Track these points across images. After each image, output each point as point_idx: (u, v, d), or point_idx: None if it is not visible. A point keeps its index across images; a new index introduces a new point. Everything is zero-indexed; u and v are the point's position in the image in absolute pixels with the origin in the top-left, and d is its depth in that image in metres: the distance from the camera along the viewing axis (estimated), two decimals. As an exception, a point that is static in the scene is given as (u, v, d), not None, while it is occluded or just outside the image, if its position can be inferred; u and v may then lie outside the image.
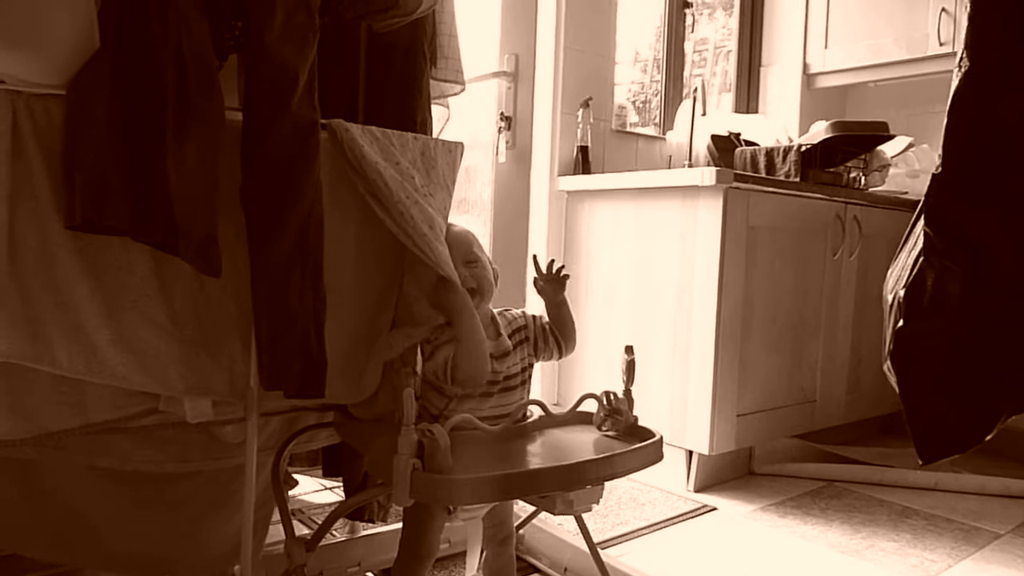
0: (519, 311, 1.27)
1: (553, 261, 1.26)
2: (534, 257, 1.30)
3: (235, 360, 1.01)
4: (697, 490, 2.10)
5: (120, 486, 1.11)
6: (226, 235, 0.92)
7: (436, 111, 1.38)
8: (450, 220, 1.23)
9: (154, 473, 1.12)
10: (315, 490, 1.90)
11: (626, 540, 1.74)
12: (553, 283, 1.25)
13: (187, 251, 0.88)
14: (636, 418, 1.15)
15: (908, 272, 0.76)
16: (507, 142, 2.42)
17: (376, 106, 1.25)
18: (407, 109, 1.26)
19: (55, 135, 0.86)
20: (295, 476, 1.73)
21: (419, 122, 1.28)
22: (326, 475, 1.46)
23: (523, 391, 1.20)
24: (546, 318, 1.27)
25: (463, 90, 1.41)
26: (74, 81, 0.86)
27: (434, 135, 1.38)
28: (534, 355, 1.24)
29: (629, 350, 1.17)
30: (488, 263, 1.22)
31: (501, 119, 2.42)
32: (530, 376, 1.23)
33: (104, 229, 0.86)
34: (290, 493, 1.72)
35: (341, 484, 1.45)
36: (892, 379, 0.79)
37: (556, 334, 1.25)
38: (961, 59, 0.71)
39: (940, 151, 0.72)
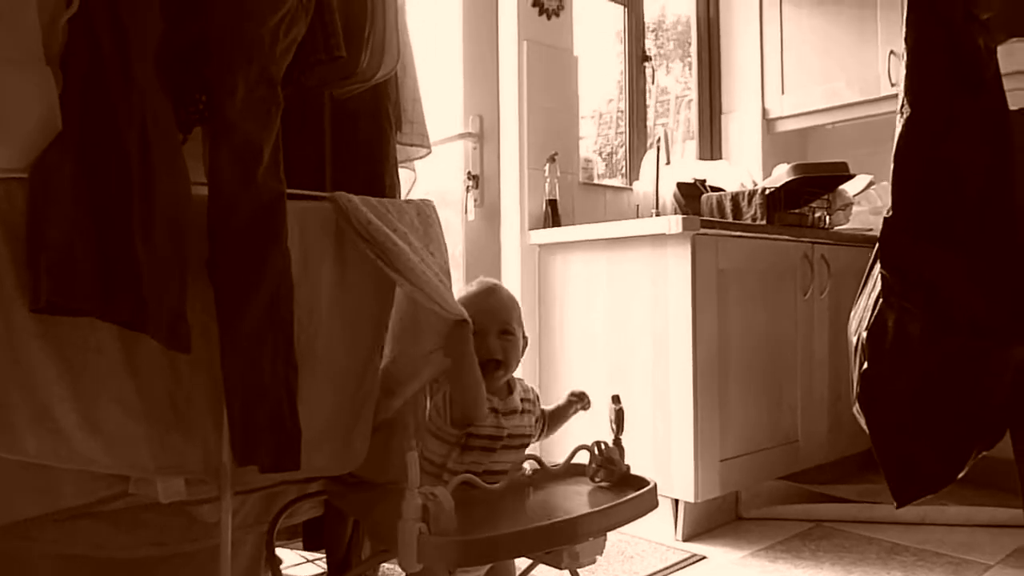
0: (530, 387, 1.32)
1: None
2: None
3: (208, 437, 1.00)
4: (685, 539, 2.08)
5: (92, 573, 1.08)
6: (195, 310, 0.92)
7: (403, 174, 1.40)
8: (496, 281, 1.27)
9: (129, 559, 1.09)
10: (296, 563, 1.85)
11: (617, 595, 1.71)
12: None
13: (156, 329, 0.87)
14: (628, 467, 1.16)
15: (869, 314, 0.78)
16: (475, 200, 2.44)
17: (344, 172, 1.27)
18: (375, 174, 1.28)
19: (17, 219, 0.85)
20: (277, 552, 1.69)
21: (388, 185, 1.30)
22: (307, 548, 1.43)
23: (521, 453, 1.21)
24: (547, 407, 1.32)
25: (429, 153, 1.43)
26: (37, 163, 0.87)
27: (402, 198, 1.40)
28: (533, 426, 1.26)
29: (616, 399, 1.19)
30: (520, 335, 1.24)
31: (468, 178, 2.45)
32: (529, 443, 1.24)
33: (71, 311, 0.85)
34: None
35: (323, 556, 1.41)
36: (862, 420, 0.80)
37: (547, 424, 1.31)
38: (903, 105, 0.74)
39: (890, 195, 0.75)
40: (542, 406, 1.32)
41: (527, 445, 1.23)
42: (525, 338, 1.26)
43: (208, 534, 1.10)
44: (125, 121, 0.89)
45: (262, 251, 0.95)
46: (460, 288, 1.28)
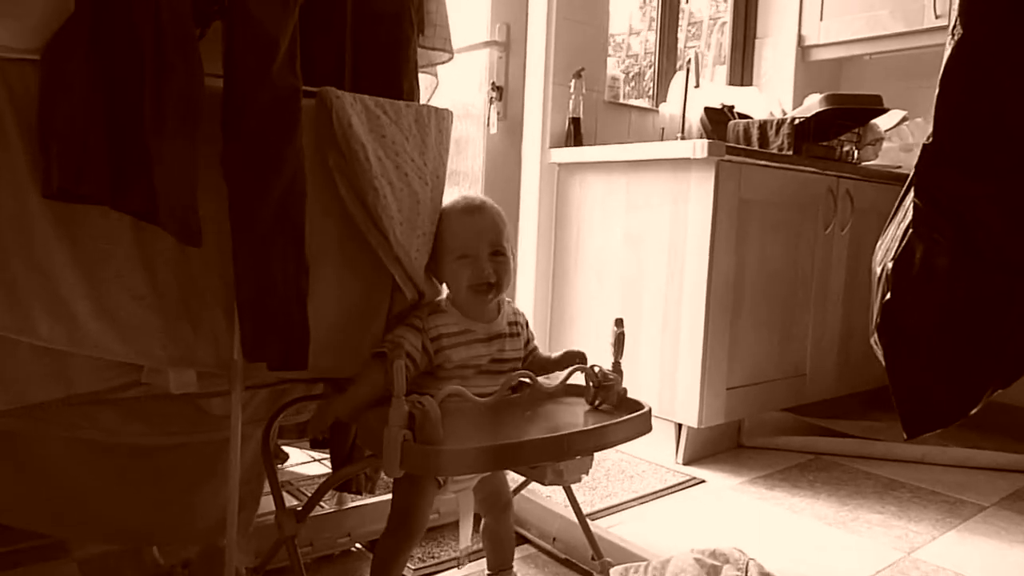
0: (519, 310, 1.26)
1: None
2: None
3: (219, 331, 1.00)
4: (686, 463, 2.12)
5: (105, 458, 1.11)
6: (207, 204, 0.91)
7: (424, 79, 1.36)
8: (482, 198, 1.20)
9: (139, 445, 1.11)
10: (303, 462, 1.90)
11: (614, 512, 1.75)
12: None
13: (167, 221, 0.86)
14: (625, 390, 1.15)
15: (897, 244, 0.76)
16: (498, 113, 2.39)
17: (363, 74, 1.23)
18: (394, 77, 1.24)
19: (31, 102, 0.83)
20: (284, 448, 1.74)
21: (406, 90, 1.25)
22: (313, 447, 1.46)
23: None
24: (538, 352, 1.26)
25: (451, 58, 1.38)
26: (49, 45, 0.84)
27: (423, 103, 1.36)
28: (522, 349, 1.23)
29: (619, 323, 1.17)
30: (511, 252, 1.18)
31: (492, 89, 2.38)
32: (516, 368, 1.21)
33: (82, 198, 0.84)
34: (279, 465, 1.72)
35: (328, 456, 1.45)
36: (879, 352, 0.78)
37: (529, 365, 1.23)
38: (954, 27, 0.70)
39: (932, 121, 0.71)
40: (544, 353, 1.26)
41: (514, 370, 1.20)
42: (514, 256, 1.22)
43: (217, 426, 1.11)
44: (139, 6, 0.86)
45: (276, 147, 0.93)
46: (445, 203, 1.22)
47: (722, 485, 1.97)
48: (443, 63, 1.40)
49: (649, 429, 1.10)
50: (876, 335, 0.78)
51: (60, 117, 0.83)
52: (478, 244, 1.14)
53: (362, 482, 1.41)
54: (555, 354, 1.24)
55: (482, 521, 1.31)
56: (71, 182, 0.82)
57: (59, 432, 1.06)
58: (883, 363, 0.78)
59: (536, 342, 1.28)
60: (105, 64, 0.85)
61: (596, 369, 1.15)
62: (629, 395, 1.15)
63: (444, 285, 1.21)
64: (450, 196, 1.26)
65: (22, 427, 1.05)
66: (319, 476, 1.82)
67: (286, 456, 1.79)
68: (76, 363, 0.99)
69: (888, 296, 0.76)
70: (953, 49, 0.69)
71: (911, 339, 0.75)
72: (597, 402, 1.16)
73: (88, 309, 0.91)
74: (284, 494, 1.21)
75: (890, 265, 0.75)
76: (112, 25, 0.85)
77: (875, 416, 2.59)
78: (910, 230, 0.74)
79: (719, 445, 2.24)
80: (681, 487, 1.93)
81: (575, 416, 1.11)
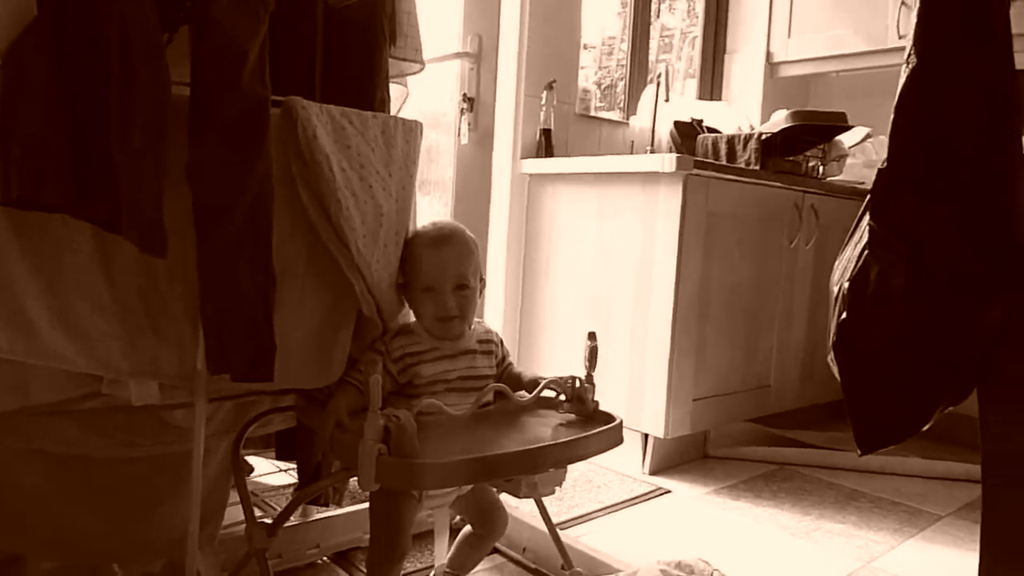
0: (492, 329, 1.26)
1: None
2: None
3: (183, 342, 0.99)
4: (652, 473, 2.13)
5: (63, 471, 1.08)
6: (172, 214, 0.90)
7: (395, 90, 1.36)
8: (453, 225, 1.21)
9: (99, 458, 1.09)
10: (268, 472, 1.88)
11: (582, 522, 1.76)
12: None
13: (131, 231, 0.85)
14: (597, 403, 1.17)
15: (853, 264, 0.78)
16: (469, 124, 2.39)
17: (334, 84, 1.23)
18: (365, 87, 1.24)
19: (-11, 105, 0.82)
20: (249, 460, 1.72)
21: (378, 100, 1.26)
22: (279, 458, 1.45)
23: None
24: (512, 368, 1.26)
25: (422, 69, 1.39)
26: (11, 49, 0.83)
27: (392, 114, 1.36)
28: (493, 367, 1.23)
29: (592, 336, 1.18)
30: (477, 284, 1.19)
31: (464, 100, 2.39)
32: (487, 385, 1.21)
33: (43, 206, 0.83)
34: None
35: (295, 466, 1.43)
36: (835, 369, 0.80)
37: (504, 374, 1.24)
38: (909, 55, 0.72)
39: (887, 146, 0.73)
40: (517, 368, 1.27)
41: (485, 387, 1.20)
42: (483, 281, 1.22)
43: (180, 439, 1.10)
44: (104, 13, 0.85)
45: (243, 157, 0.92)
46: (417, 226, 1.22)
47: (688, 495, 1.99)
48: (414, 73, 1.41)
49: (621, 441, 1.11)
50: (832, 353, 0.80)
51: (22, 123, 0.82)
52: (443, 278, 1.15)
53: (330, 494, 1.40)
54: (526, 375, 1.24)
55: (464, 528, 1.31)
56: (32, 190, 0.81)
57: (16, 443, 1.04)
58: (839, 380, 0.80)
59: (511, 358, 1.29)
60: (69, 70, 0.84)
61: (569, 381, 1.16)
62: (600, 406, 1.17)
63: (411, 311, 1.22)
64: (423, 207, 1.26)
65: (-22, 439, 1.03)
66: (284, 487, 1.80)
67: (251, 468, 1.77)
68: (34, 373, 0.97)
69: (844, 315, 0.78)
70: (907, 77, 0.71)
71: (865, 357, 0.77)
72: (567, 413, 1.16)
73: (47, 319, 0.89)
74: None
75: (846, 285, 0.77)
76: (76, 31, 0.84)
77: (838, 427, 2.63)
78: (866, 251, 0.76)
79: (685, 455, 2.26)
80: (647, 497, 1.95)
81: (548, 429, 1.12)
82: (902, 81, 0.72)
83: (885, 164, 0.73)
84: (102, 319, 0.93)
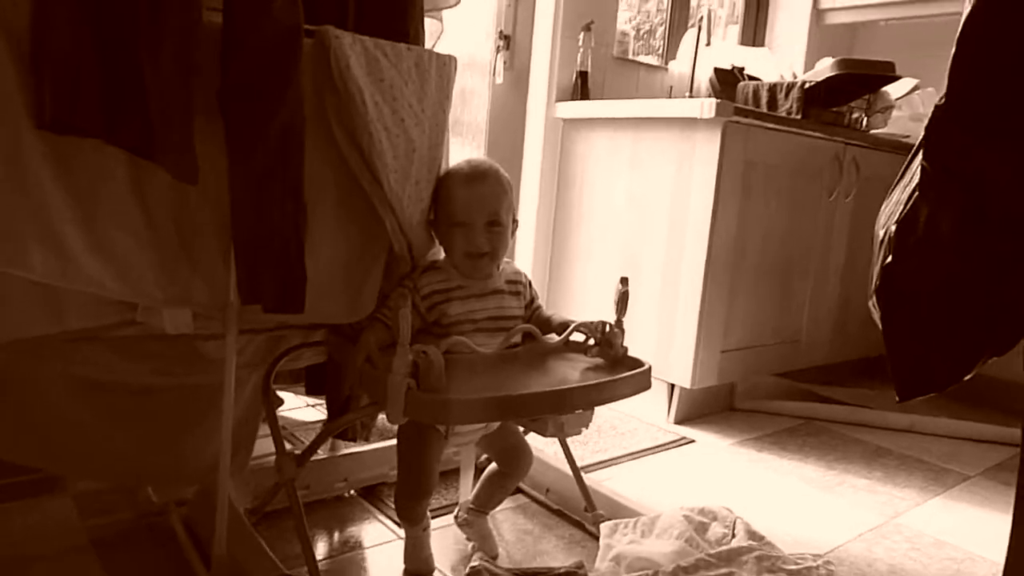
0: (520, 270, 1.26)
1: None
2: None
3: (215, 271, 0.99)
4: (677, 422, 2.14)
5: (99, 395, 1.11)
6: (205, 141, 0.89)
7: (429, 25, 1.33)
8: (488, 163, 1.19)
9: (134, 384, 1.12)
10: (297, 407, 1.91)
11: (606, 466, 1.77)
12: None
13: (163, 156, 0.85)
14: (626, 348, 1.16)
15: (901, 208, 0.75)
16: (505, 63, 2.34)
17: (366, 15, 1.20)
18: (399, 19, 1.21)
19: (24, 32, 0.81)
20: (279, 394, 1.74)
21: (411, 34, 1.23)
22: (309, 393, 1.47)
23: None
24: (541, 311, 1.25)
25: (458, 3, 1.36)
26: (42, -28, 0.81)
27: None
28: (522, 308, 1.22)
29: (624, 281, 1.17)
30: (510, 222, 1.18)
31: (500, 38, 2.34)
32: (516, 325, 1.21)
33: (75, 130, 0.83)
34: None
35: (324, 401, 1.45)
36: (876, 315, 0.78)
37: (533, 316, 1.24)
38: (975, -16, 0.68)
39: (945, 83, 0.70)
40: (552, 314, 1.26)
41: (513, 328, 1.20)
42: (515, 221, 1.21)
43: (212, 369, 1.11)
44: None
45: (275, 85, 0.91)
46: (452, 164, 1.20)
47: (712, 446, 1.99)
48: (449, 7, 1.37)
49: (648, 386, 1.11)
50: (875, 298, 0.77)
51: (53, 47, 0.81)
52: (475, 213, 1.13)
53: (357, 430, 1.42)
54: (556, 318, 1.24)
55: (489, 467, 1.32)
56: (65, 113, 0.81)
57: (52, 368, 1.06)
58: (879, 326, 0.78)
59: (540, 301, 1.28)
60: (99, -8, 0.83)
61: (599, 325, 1.15)
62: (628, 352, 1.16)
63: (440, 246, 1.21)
64: (453, 149, 1.24)
65: (17, 362, 1.05)
66: (313, 422, 1.84)
67: (281, 401, 1.80)
68: (70, 299, 0.99)
69: (889, 259, 0.75)
70: (972, 8, 0.67)
71: (910, 303, 0.75)
72: (596, 356, 1.16)
73: (83, 245, 0.90)
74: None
75: (893, 228, 0.74)
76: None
77: (867, 384, 2.60)
78: (916, 193, 0.73)
79: (711, 407, 2.25)
80: (672, 446, 1.95)
81: (576, 371, 1.12)
82: (966, 11, 0.68)
83: (943, 100, 0.69)
84: (136, 246, 0.93)
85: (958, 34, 0.69)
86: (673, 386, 2.12)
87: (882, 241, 0.77)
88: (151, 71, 0.83)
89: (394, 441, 1.28)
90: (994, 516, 1.63)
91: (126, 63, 0.82)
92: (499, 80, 2.35)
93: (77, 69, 0.80)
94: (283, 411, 1.87)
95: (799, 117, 2.23)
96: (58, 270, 0.89)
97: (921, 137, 0.73)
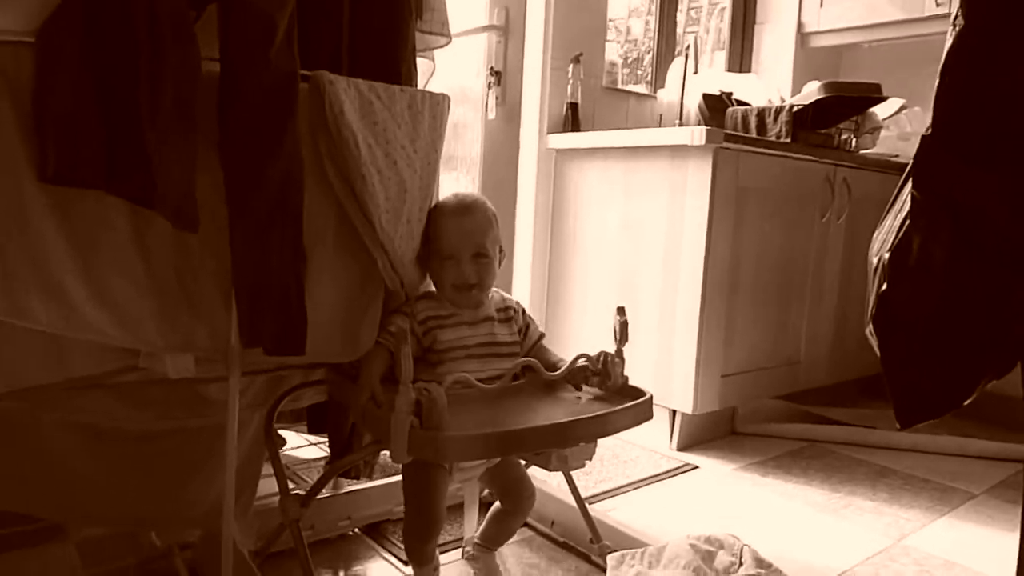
0: (510, 297, 1.27)
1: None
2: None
3: (216, 316, 1.00)
4: (680, 449, 2.13)
5: (101, 443, 1.10)
6: (204, 189, 0.90)
7: (421, 64, 1.35)
8: (474, 196, 1.21)
9: (136, 430, 1.11)
10: (299, 445, 1.91)
11: (610, 496, 1.76)
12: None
13: (163, 206, 0.86)
14: (627, 378, 1.17)
15: (894, 235, 0.76)
16: (497, 98, 2.37)
17: (360, 57, 1.22)
18: (391, 60, 1.23)
19: (27, 86, 0.83)
20: (281, 433, 1.74)
21: (404, 74, 1.25)
22: (311, 432, 1.47)
23: (503, 362, 1.19)
24: (538, 339, 1.26)
25: (449, 42, 1.38)
26: (44, 28, 0.83)
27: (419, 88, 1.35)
28: (516, 335, 1.23)
29: (621, 311, 1.18)
30: (496, 253, 1.20)
31: (491, 74, 2.37)
32: (509, 352, 1.21)
33: (77, 182, 0.84)
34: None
35: (326, 440, 1.45)
36: (874, 343, 0.79)
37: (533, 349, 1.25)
38: (956, 17, 0.70)
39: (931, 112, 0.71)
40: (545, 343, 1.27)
41: (507, 355, 1.20)
42: (502, 252, 1.22)
43: (215, 411, 1.11)
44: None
45: (273, 132, 0.92)
46: (440, 198, 1.23)
47: (716, 472, 1.98)
48: (440, 47, 1.39)
49: (650, 416, 1.11)
50: (871, 325, 0.78)
51: (55, 101, 0.82)
52: (462, 246, 1.16)
53: (360, 467, 1.41)
54: (552, 358, 1.24)
55: (495, 504, 1.32)
56: (67, 166, 0.82)
57: (55, 416, 1.06)
58: (878, 353, 0.79)
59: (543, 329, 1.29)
60: (100, 48, 0.84)
61: (600, 355, 1.16)
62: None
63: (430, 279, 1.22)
64: (447, 183, 1.25)
65: (19, 411, 1.05)
66: (316, 460, 1.83)
67: (284, 440, 1.79)
68: (73, 347, 0.99)
69: (884, 287, 0.76)
70: (955, 39, 0.69)
71: (906, 330, 0.75)
72: (597, 387, 1.16)
73: (85, 294, 0.90)
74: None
75: (887, 256, 0.75)
76: (106, 10, 0.85)
77: (868, 404, 2.60)
78: (907, 221, 0.74)
79: (713, 432, 2.25)
80: (675, 473, 1.95)
81: (577, 404, 1.12)
82: (949, 43, 0.70)
83: (929, 130, 0.71)
84: (137, 294, 0.94)
85: (942, 65, 0.70)
86: (675, 412, 2.12)
87: (876, 269, 0.78)
88: (151, 122, 0.84)
89: (398, 477, 1.28)
90: (1002, 535, 1.63)
91: (127, 115, 0.84)
92: (491, 116, 2.38)
93: (79, 122, 0.82)
94: (286, 449, 1.86)
95: (789, 140, 2.26)
96: (62, 319, 0.89)
97: (909, 165, 0.75)
